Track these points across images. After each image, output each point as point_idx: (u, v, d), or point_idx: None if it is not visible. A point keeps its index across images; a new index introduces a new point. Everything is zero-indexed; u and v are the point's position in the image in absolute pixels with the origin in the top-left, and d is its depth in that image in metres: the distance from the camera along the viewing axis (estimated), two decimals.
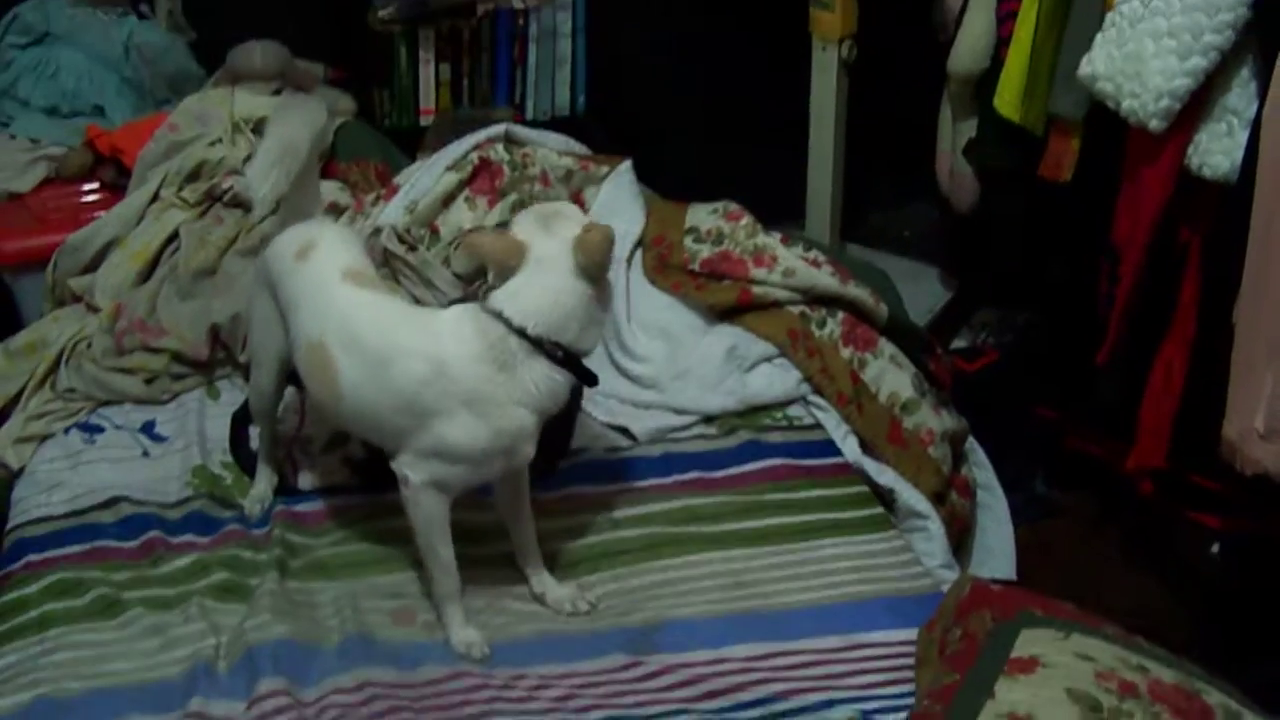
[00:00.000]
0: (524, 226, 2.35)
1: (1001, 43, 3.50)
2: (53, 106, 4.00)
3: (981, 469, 3.27)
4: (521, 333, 2.27)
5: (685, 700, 2.28)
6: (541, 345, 2.28)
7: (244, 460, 2.90)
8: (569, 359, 2.30)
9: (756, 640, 2.40)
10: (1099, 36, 3.01)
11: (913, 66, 4.00)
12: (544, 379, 2.30)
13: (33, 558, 2.66)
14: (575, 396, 2.99)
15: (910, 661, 2.35)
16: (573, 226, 2.31)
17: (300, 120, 2.64)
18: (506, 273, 2.33)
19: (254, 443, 2.90)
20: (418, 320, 2.43)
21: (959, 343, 4.19)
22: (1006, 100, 3.40)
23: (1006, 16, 3.46)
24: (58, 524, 2.75)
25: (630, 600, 2.52)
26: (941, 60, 3.77)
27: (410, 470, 2.36)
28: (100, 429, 3.04)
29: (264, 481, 2.80)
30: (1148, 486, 3.31)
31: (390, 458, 2.40)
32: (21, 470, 2.96)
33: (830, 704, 2.27)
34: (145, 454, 2.97)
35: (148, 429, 3.04)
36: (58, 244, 3.48)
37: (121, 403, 3.11)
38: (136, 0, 4.11)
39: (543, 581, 2.53)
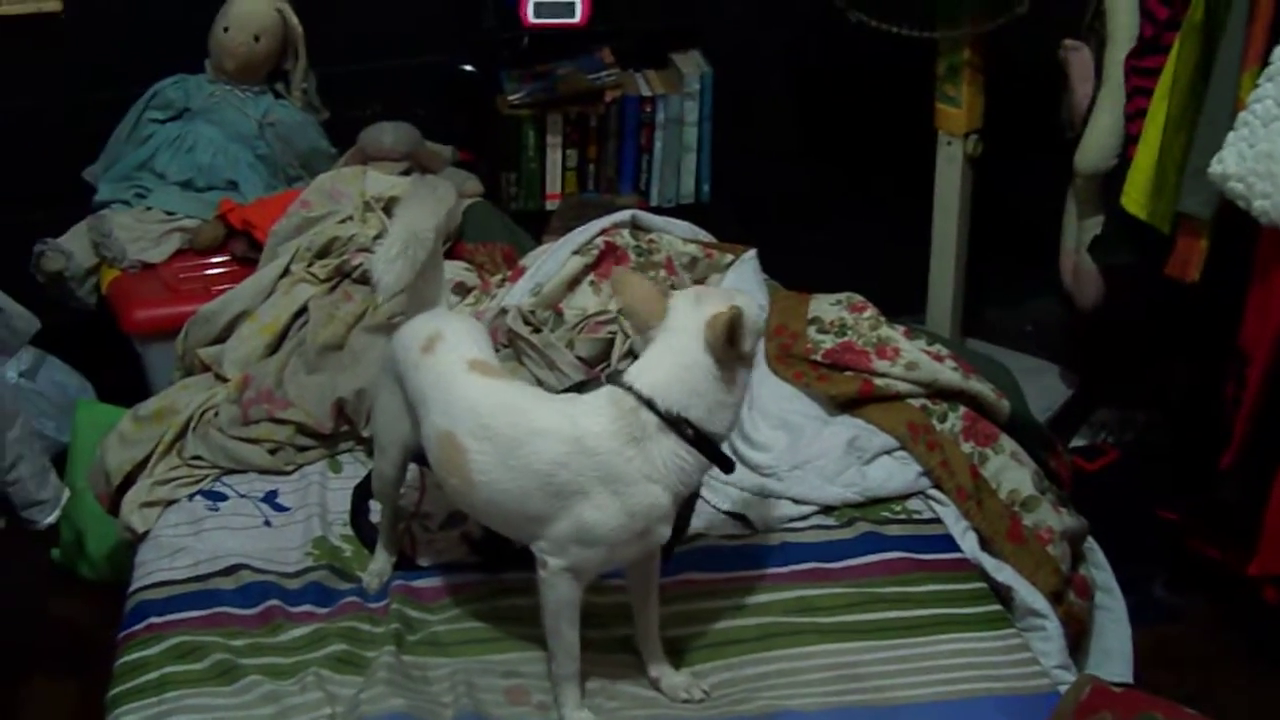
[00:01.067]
0: (678, 297, 2.38)
1: (1129, 140, 3.49)
2: (188, 180, 4.08)
3: (1100, 569, 3.22)
4: (650, 405, 2.29)
5: None
6: (671, 420, 2.29)
7: (364, 533, 2.93)
8: (700, 439, 2.30)
9: None
10: (1230, 135, 2.99)
11: (1038, 162, 3.99)
12: (672, 456, 2.30)
13: (154, 620, 2.70)
14: None
15: None
16: (719, 304, 2.31)
17: (428, 210, 2.67)
18: (640, 326, 2.38)
19: (374, 516, 2.93)
20: (549, 402, 2.47)
21: (1079, 441, 4.14)
22: (1133, 198, 3.38)
23: (1135, 114, 3.46)
24: (179, 588, 2.80)
25: (743, 689, 2.51)
26: (1067, 156, 3.77)
27: (549, 555, 2.37)
28: (224, 497, 3.08)
29: (383, 557, 2.82)
30: (1270, 593, 3.25)
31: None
32: (146, 534, 3.01)
33: None
34: (267, 523, 3.01)
35: (270, 498, 3.08)
36: (188, 314, 3.54)
37: (245, 472, 3.15)
38: (273, 80, 4.20)
39: (659, 667, 2.52)
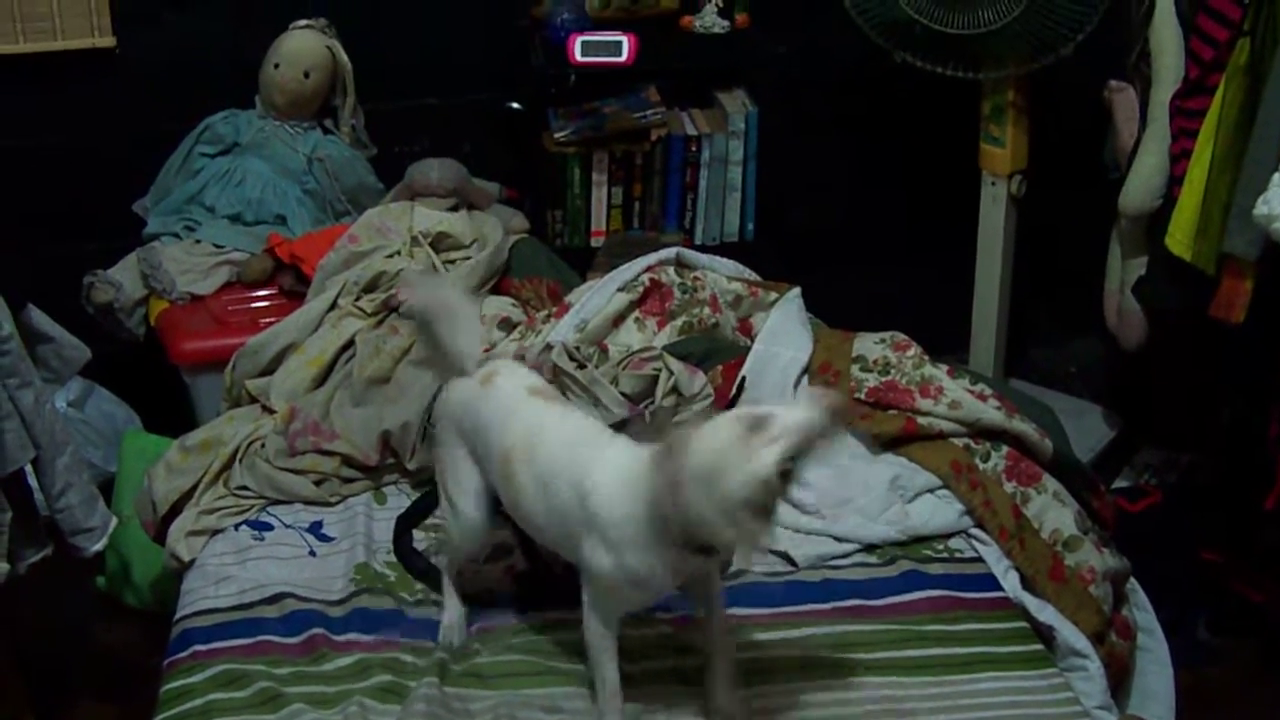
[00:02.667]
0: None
1: (1174, 181, 3.49)
2: (237, 214, 4.12)
3: (1142, 611, 3.21)
4: None
5: None
6: None
7: (407, 560, 2.95)
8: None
9: None
10: (1276, 176, 2.99)
11: (1082, 202, 4.00)
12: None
13: (199, 648, 2.72)
14: None
15: None
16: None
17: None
18: None
19: (419, 543, 2.97)
20: (585, 445, 2.46)
21: (1122, 482, 4.13)
22: (1178, 239, 3.38)
23: (1180, 155, 3.46)
24: (224, 616, 2.81)
25: None
26: (1112, 197, 3.77)
27: (583, 590, 2.41)
28: (270, 526, 3.10)
29: (456, 609, 2.77)
30: None
31: None
32: (192, 562, 3.03)
33: None
34: (312, 553, 3.02)
35: (315, 529, 3.10)
36: (236, 346, 3.57)
37: (291, 503, 3.17)
38: (322, 116, 4.24)
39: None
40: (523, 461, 2.47)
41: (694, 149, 4.30)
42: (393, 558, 2.98)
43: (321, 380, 3.41)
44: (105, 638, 3.80)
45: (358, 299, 3.56)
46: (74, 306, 3.93)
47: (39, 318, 3.13)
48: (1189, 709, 3.14)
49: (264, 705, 2.55)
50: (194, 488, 3.19)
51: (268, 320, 3.71)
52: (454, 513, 2.70)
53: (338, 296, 3.59)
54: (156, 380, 4.01)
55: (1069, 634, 2.84)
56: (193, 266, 3.99)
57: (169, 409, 3.97)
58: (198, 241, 4.06)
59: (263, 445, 3.24)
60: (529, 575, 2.84)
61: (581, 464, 2.39)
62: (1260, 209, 3.00)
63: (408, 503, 3.13)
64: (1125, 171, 3.72)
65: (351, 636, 2.75)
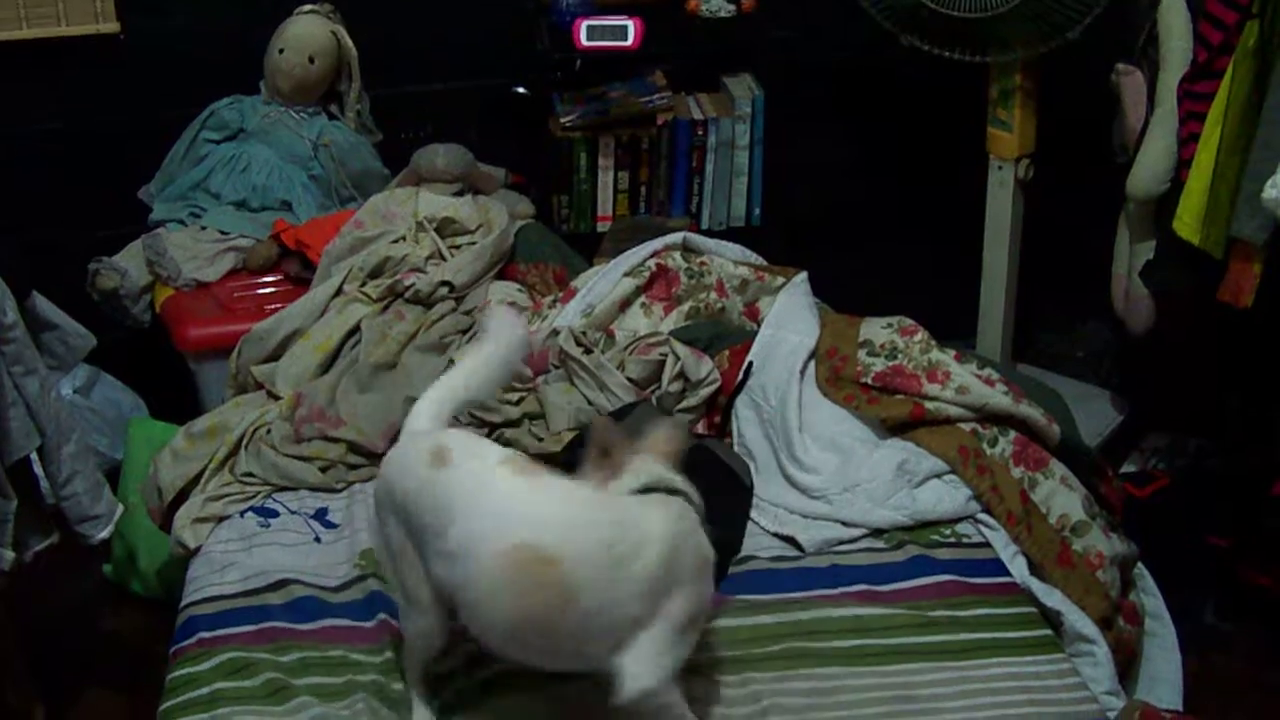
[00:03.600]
0: None
1: (1182, 165, 3.48)
2: (242, 200, 4.11)
3: (1150, 596, 3.21)
4: None
5: None
6: None
7: None
8: None
9: None
10: None
11: (1090, 187, 3.99)
12: None
13: (204, 634, 2.73)
14: (745, 504, 3.01)
15: None
16: None
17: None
18: None
19: None
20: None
21: (1129, 467, 4.12)
22: (1186, 223, 3.37)
23: (1188, 139, 3.44)
24: (229, 603, 2.82)
25: (793, 709, 2.51)
26: (1119, 181, 3.75)
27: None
28: (275, 513, 3.11)
29: (425, 713, 2.50)
30: None
31: None
32: (198, 549, 3.03)
33: None
34: (317, 539, 3.03)
35: (320, 516, 3.11)
36: (241, 332, 3.57)
37: (297, 489, 3.18)
38: (327, 101, 4.23)
39: None
40: (570, 548, 2.21)
41: (700, 133, 4.28)
42: None
43: (327, 366, 3.41)
44: (112, 625, 3.81)
45: (363, 284, 3.56)
46: (79, 293, 3.92)
47: (44, 305, 3.13)
48: (1196, 694, 3.14)
49: (271, 696, 2.55)
50: (200, 474, 3.20)
51: (273, 306, 3.71)
52: (413, 605, 2.41)
53: (343, 282, 3.58)
54: (162, 367, 4.00)
55: (1076, 619, 2.84)
56: (198, 253, 3.98)
57: (175, 396, 3.97)
58: (203, 228, 4.06)
59: (268, 431, 3.25)
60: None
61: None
62: (1269, 192, 2.99)
63: None
64: (1133, 155, 3.71)
65: (355, 624, 2.74)
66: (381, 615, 2.74)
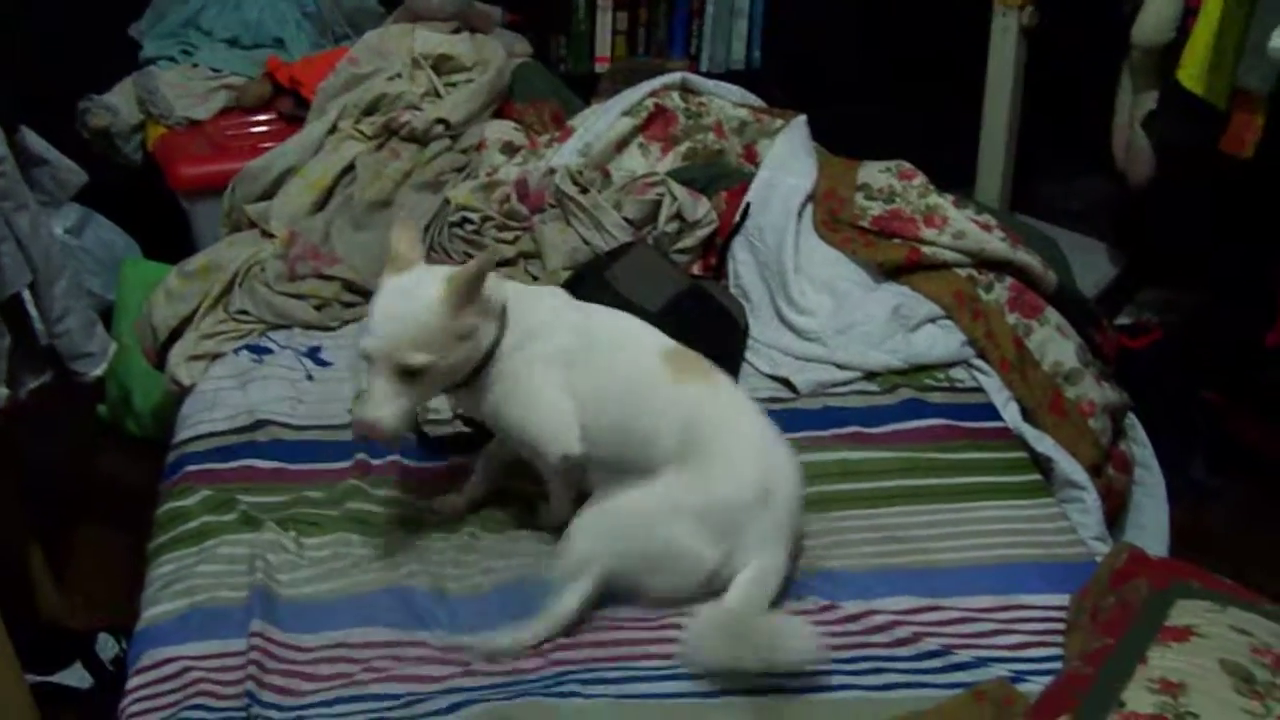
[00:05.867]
0: None
1: (1188, 13, 3.45)
2: (234, 38, 4.08)
3: (1140, 446, 3.22)
4: None
5: (834, 648, 2.28)
6: None
7: None
8: None
9: (908, 595, 2.39)
10: None
11: (1094, 36, 3.94)
12: None
13: (191, 468, 2.74)
14: (740, 346, 3.00)
15: (1061, 626, 2.32)
16: None
17: None
18: None
19: None
20: None
21: (1124, 319, 4.12)
22: (1190, 73, 3.34)
23: None
24: (219, 440, 2.83)
25: None
26: (1124, 30, 3.71)
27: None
28: (269, 350, 3.10)
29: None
30: None
31: None
32: (192, 387, 3.03)
33: (980, 662, 2.25)
34: (309, 378, 3.03)
35: (314, 354, 3.10)
36: (234, 171, 3.55)
37: (290, 327, 3.17)
38: None
39: None
40: None
41: None
42: None
43: (321, 204, 3.39)
44: (107, 466, 3.83)
45: (358, 122, 3.53)
46: (70, 133, 3.89)
47: (33, 140, 3.09)
48: (1182, 545, 3.16)
49: (249, 525, 2.56)
50: (193, 313, 3.19)
51: (266, 145, 3.68)
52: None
53: (338, 119, 3.56)
54: (155, 207, 3.99)
55: (1067, 465, 2.85)
56: (190, 91, 3.96)
57: (168, 236, 3.97)
58: (195, 65, 4.04)
59: (262, 270, 3.24)
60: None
61: None
62: (1276, 42, 2.96)
63: None
64: (1139, 3, 3.66)
65: (344, 464, 2.75)
66: (360, 455, 2.75)
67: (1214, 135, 3.29)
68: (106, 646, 3.23)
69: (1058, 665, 2.21)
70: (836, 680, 2.23)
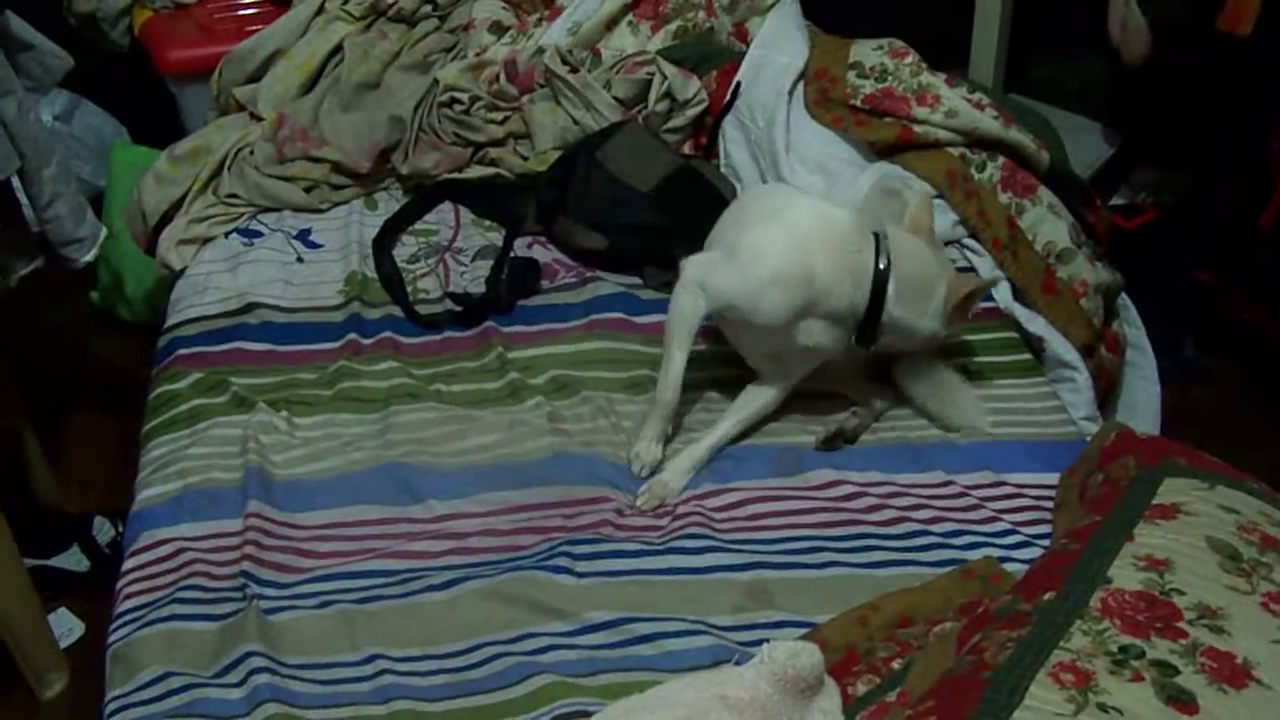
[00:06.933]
0: None
1: None
2: None
3: (1132, 327, 3.22)
4: None
5: (824, 525, 2.31)
6: None
7: (377, 259, 2.97)
8: None
9: (898, 470, 2.42)
10: None
11: None
12: None
13: (182, 352, 2.76)
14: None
15: (1050, 504, 2.35)
16: None
17: None
18: None
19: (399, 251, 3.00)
20: None
21: (1118, 200, 4.10)
22: None
23: None
24: (210, 324, 2.84)
25: (781, 425, 2.55)
26: None
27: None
28: (259, 234, 3.10)
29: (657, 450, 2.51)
30: None
31: None
32: (183, 271, 3.04)
33: (966, 536, 2.28)
34: (300, 260, 3.03)
35: (303, 236, 3.10)
36: (222, 54, 3.52)
37: (280, 210, 3.17)
38: None
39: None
40: None
41: None
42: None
43: (310, 86, 3.37)
44: (100, 351, 3.84)
45: (345, 3, 3.49)
46: (55, 18, 3.85)
47: (18, 24, 3.05)
48: (1173, 425, 3.17)
49: (249, 409, 2.57)
50: (183, 197, 3.18)
51: (254, 27, 3.64)
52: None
53: (324, 1, 3.51)
54: (143, 91, 3.96)
55: (1058, 345, 2.86)
56: None
57: (156, 120, 3.93)
58: None
59: (251, 153, 3.22)
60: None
61: None
62: None
63: (396, 208, 3.12)
64: None
65: (333, 345, 2.77)
66: (351, 335, 2.77)
67: (1211, 12, 3.25)
68: (102, 530, 3.25)
69: (1047, 543, 2.22)
70: (826, 557, 2.25)
